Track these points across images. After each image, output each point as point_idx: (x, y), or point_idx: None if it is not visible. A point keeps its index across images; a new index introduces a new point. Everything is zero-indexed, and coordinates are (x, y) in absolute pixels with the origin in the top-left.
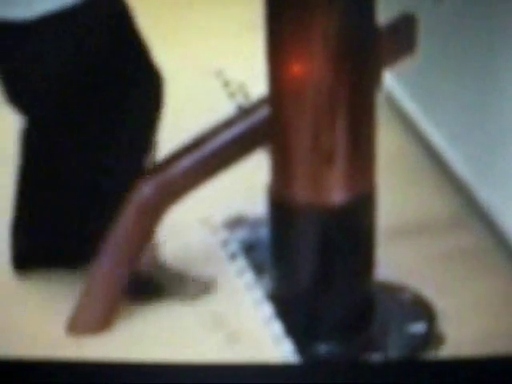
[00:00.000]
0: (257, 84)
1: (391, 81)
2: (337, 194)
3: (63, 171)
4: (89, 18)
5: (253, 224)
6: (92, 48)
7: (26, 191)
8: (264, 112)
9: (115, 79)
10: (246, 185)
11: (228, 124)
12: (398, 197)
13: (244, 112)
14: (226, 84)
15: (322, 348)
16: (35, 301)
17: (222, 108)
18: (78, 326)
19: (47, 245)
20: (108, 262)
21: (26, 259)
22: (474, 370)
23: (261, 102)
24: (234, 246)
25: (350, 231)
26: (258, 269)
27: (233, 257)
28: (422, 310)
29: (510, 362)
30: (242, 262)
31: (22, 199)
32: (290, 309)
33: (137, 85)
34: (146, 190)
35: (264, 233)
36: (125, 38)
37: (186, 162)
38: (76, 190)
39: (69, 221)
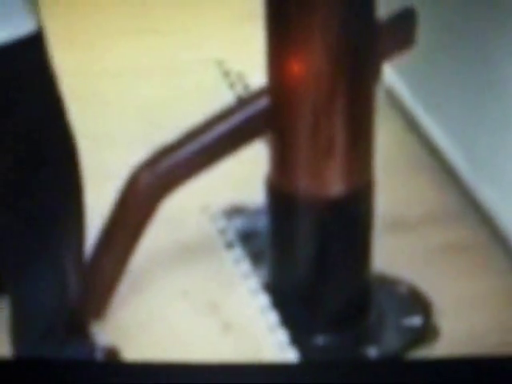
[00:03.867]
0: (256, 74)
1: (391, 74)
2: (335, 186)
3: None
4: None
5: (251, 213)
6: None
7: None
8: (263, 102)
9: None
10: (245, 174)
11: (227, 114)
12: (395, 190)
13: (243, 102)
14: (226, 74)
15: (318, 339)
16: None
17: (221, 98)
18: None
19: None
20: (104, 251)
21: None
22: (471, 369)
23: (260, 93)
24: (232, 235)
25: (348, 223)
26: (255, 258)
27: (230, 245)
28: (419, 303)
29: (508, 361)
30: (239, 251)
31: None
32: (287, 299)
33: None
34: (144, 178)
35: (262, 222)
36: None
37: (185, 151)
38: None
39: None
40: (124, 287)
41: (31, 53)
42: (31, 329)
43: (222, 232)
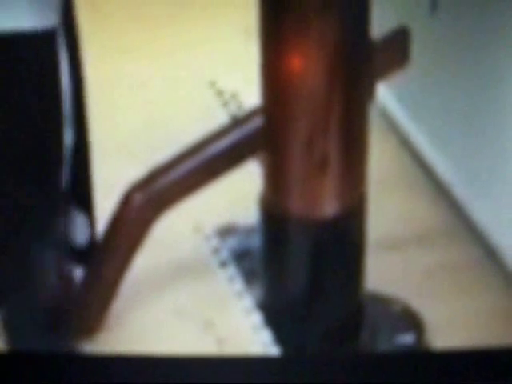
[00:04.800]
0: (250, 94)
1: (384, 93)
2: (329, 205)
3: None
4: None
5: (244, 233)
6: None
7: None
8: (257, 122)
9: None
10: (238, 194)
11: (221, 134)
12: (389, 209)
13: (237, 122)
14: (219, 94)
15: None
16: None
17: (215, 118)
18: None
19: None
20: (99, 270)
21: None
22: (467, 363)
23: (254, 112)
24: (225, 254)
25: (340, 241)
26: (249, 277)
27: (223, 264)
28: (411, 321)
29: (503, 355)
30: (232, 270)
31: None
32: (280, 318)
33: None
34: (137, 198)
35: (255, 242)
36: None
37: (178, 171)
38: None
39: None
40: (118, 306)
41: (46, 47)
42: (17, 325)
43: (216, 251)
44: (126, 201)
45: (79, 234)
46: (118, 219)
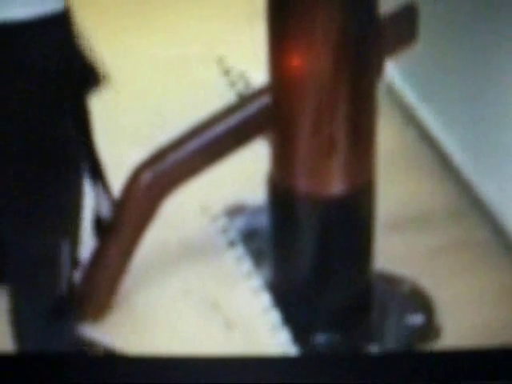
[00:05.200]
0: (257, 73)
1: (392, 71)
2: (337, 184)
3: None
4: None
5: (252, 212)
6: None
7: None
8: (264, 101)
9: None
10: (246, 173)
11: (228, 112)
12: (397, 188)
13: (244, 100)
14: (227, 72)
15: (320, 338)
16: None
17: (222, 96)
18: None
19: None
20: (108, 249)
21: None
22: (473, 361)
23: (261, 91)
24: (233, 234)
25: (349, 221)
26: (257, 257)
27: (231, 244)
28: (420, 301)
29: (509, 353)
30: (240, 250)
31: None
32: (288, 298)
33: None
34: (145, 177)
35: (263, 221)
36: None
37: (185, 150)
38: None
39: None
40: (126, 287)
41: (57, 30)
42: (31, 317)
43: (224, 231)
44: (135, 179)
45: (104, 210)
46: (127, 197)
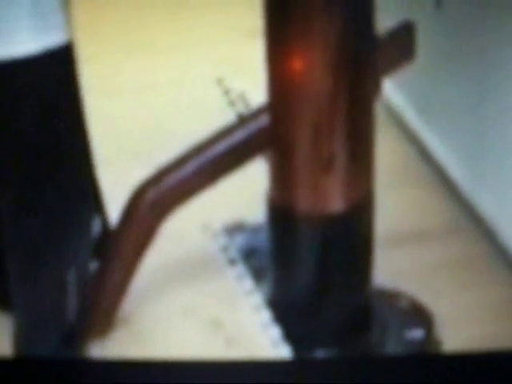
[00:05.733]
0: (257, 93)
1: (390, 89)
2: (335, 201)
3: None
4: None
5: (252, 230)
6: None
7: None
8: (263, 120)
9: None
10: (246, 192)
11: (228, 132)
12: (395, 204)
13: (244, 120)
14: (227, 92)
15: (320, 354)
16: None
17: (222, 116)
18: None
19: None
20: (110, 267)
21: None
22: (474, 365)
23: (260, 110)
24: (234, 252)
25: (348, 238)
26: (257, 274)
27: (232, 262)
28: (420, 316)
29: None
30: (241, 268)
31: None
32: (289, 314)
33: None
34: (148, 195)
35: (263, 239)
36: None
37: (187, 169)
38: None
39: None
40: (127, 304)
41: (61, 64)
42: (34, 339)
43: (225, 249)
44: (137, 198)
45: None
46: (129, 216)
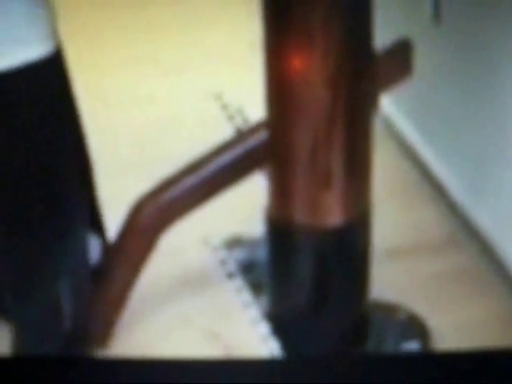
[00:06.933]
0: (255, 107)
1: (388, 105)
2: (333, 216)
3: None
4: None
5: (251, 244)
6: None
7: None
8: (262, 135)
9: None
10: (245, 206)
11: (227, 146)
12: (392, 217)
13: (242, 135)
14: (225, 107)
15: None
16: None
17: (220, 131)
18: None
19: None
20: (106, 281)
21: None
22: (470, 364)
23: (259, 125)
24: (232, 266)
25: (346, 252)
26: (256, 288)
27: (230, 276)
28: (417, 329)
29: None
30: (239, 281)
31: None
32: (286, 327)
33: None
34: (145, 210)
35: (262, 253)
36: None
37: (185, 184)
38: None
39: None
40: (126, 317)
41: (49, 74)
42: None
43: (223, 263)
44: (136, 211)
45: (93, 254)
46: (128, 229)
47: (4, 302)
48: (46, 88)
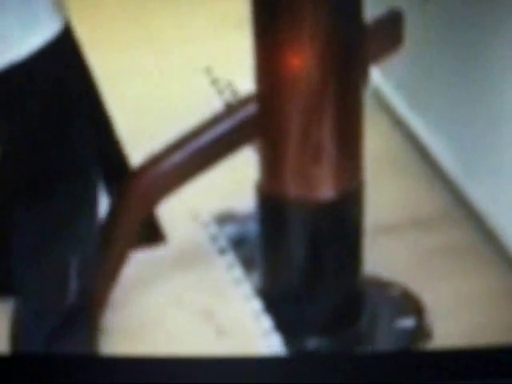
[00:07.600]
0: (245, 81)
1: (378, 76)
2: (325, 189)
3: None
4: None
5: (242, 219)
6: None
7: None
8: (252, 108)
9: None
10: (235, 181)
11: (217, 120)
12: (385, 192)
13: (232, 108)
14: (215, 81)
15: (311, 342)
16: None
17: (210, 105)
18: None
19: None
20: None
21: None
22: (464, 361)
23: (249, 99)
24: (223, 241)
25: (338, 226)
26: (247, 264)
27: (222, 252)
28: (411, 304)
29: (500, 354)
30: (231, 257)
31: None
32: (279, 303)
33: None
34: (135, 185)
35: (253, 228)
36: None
37: (176, 158)
38: None
39: None
40: (117, 295)
41: (61, 52)
42: (35, 327)
43: (214, 239)
44: (126, 186)
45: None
46: (119, 204)
47: (6, 276)
48: (64, 64)
